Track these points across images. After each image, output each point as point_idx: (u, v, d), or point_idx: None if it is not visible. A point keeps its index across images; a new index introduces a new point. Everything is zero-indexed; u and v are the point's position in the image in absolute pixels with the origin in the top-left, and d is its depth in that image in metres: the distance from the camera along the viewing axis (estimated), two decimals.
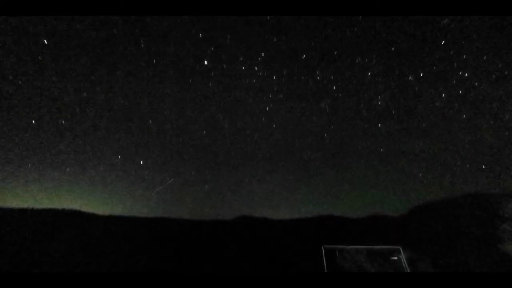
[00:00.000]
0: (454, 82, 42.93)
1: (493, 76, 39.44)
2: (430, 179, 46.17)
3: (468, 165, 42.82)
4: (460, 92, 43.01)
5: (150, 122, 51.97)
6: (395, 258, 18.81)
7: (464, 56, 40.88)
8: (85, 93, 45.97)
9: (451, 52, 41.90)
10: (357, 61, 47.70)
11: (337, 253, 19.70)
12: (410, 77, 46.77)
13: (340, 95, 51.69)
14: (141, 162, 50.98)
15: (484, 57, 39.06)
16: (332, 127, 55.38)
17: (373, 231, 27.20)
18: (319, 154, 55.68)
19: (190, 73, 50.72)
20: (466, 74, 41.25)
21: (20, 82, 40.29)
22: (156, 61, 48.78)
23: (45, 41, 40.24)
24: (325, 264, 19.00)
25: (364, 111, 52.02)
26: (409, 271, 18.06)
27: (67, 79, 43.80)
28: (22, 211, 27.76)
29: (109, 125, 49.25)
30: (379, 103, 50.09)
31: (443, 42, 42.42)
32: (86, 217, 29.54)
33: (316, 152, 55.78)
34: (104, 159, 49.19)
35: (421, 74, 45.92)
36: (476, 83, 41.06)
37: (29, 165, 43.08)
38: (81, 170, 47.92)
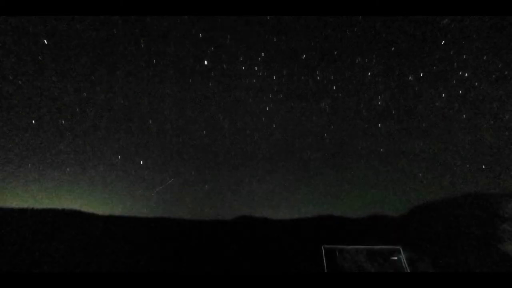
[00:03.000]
0: (454, 82, 42.96)
1: (493, 76, 39.45)
2: (430, 179, 46.17)
3: (468, 165, 42.82)
4: (460, 92, 43.04)
5: (150, 122, 52.03)
6: (395, 258, 18.81)
7: (464, 56, 40.90)
8: (85, 93, 46.04)
9: (451, 52, 41.93)
10: (357, 61, 47.73)
11: (337, 253, 19.69)
12: (410, 77, 46.79)
13: (340, 95, 51.73)
14: (141, 162, 51.02)
15: (484, 57, 39.08)
16: (332, 127, 55.42)
17: (373, 231, 27.19)
18: (319, 154, 55.71)
19: (190, 73, 50.76)
20: (466, 74, 41.28)
21: (20, 82, 40.34)
22: (156, 61, 48.83)
23: (45, 41, 40.28)
24: (325, 264, 18.99)
25: (364, 111, 52.05)
26: (409, 271, 18.06)
27: (67, 79, 43.85)
28: (22, 211, 27.76)
29: (109, 125, 49.29)
30: (379, 103, 50.12)
31: (443, 42, 42.44)
32: (86, 217, 29.55)
33: (316, 152, 55.81)
34: (104, 159, 49.23)
35: (421, 74, 45.95)
36: (476, 83, 41.08)
37: (29, 165, 43.12)
38: (81, 170, 47.97)
